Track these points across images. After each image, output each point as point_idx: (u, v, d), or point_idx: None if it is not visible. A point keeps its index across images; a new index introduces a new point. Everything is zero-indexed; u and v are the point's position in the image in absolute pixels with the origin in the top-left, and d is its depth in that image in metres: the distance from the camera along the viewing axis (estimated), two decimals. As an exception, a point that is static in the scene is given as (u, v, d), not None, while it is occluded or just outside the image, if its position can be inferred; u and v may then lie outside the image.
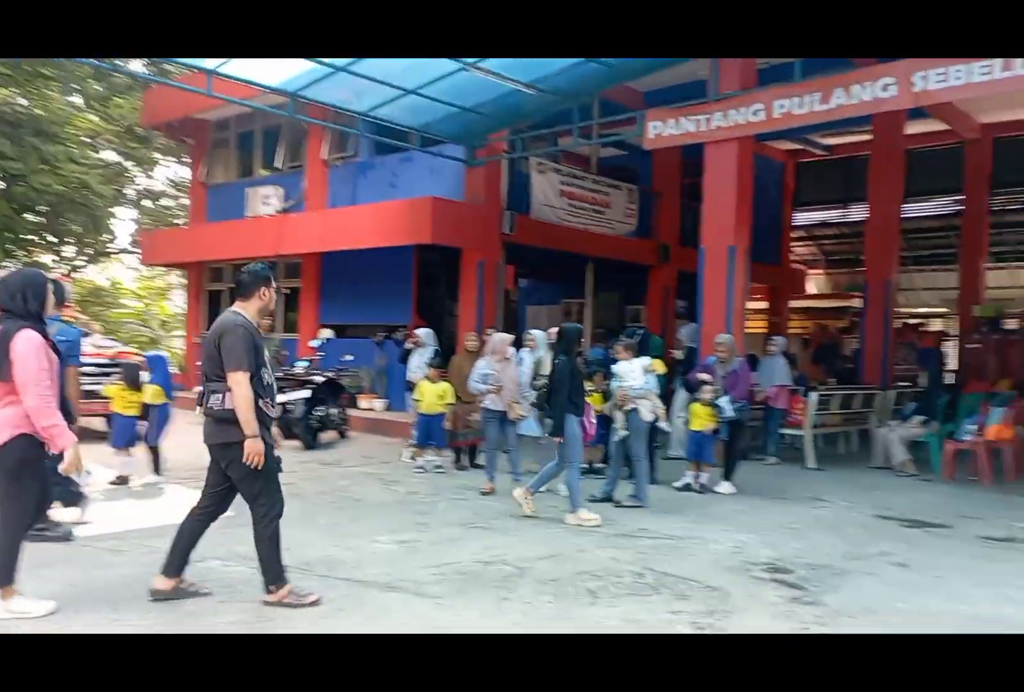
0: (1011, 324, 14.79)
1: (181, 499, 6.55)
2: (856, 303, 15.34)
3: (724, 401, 7.13)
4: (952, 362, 15.64)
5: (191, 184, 16.25)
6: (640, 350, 6.96)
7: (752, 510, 6.54)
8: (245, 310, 3.98)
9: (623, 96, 11.86)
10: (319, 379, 9.81)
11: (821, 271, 19.86)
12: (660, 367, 7.65)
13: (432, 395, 8.09)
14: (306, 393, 9.47)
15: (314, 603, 4.06)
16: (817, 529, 5.92)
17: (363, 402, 11.96)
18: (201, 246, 14.12)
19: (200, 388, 4.02)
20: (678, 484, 7.31)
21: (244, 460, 3.85)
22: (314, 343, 11.18)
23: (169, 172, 23.54)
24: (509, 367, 7.06)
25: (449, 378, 8.16)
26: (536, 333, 8.23)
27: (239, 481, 3.97)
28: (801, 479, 8.05)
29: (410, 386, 8.78)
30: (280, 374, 9.91)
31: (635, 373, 6.65)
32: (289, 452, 9.27)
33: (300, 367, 10.26)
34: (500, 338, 7.18)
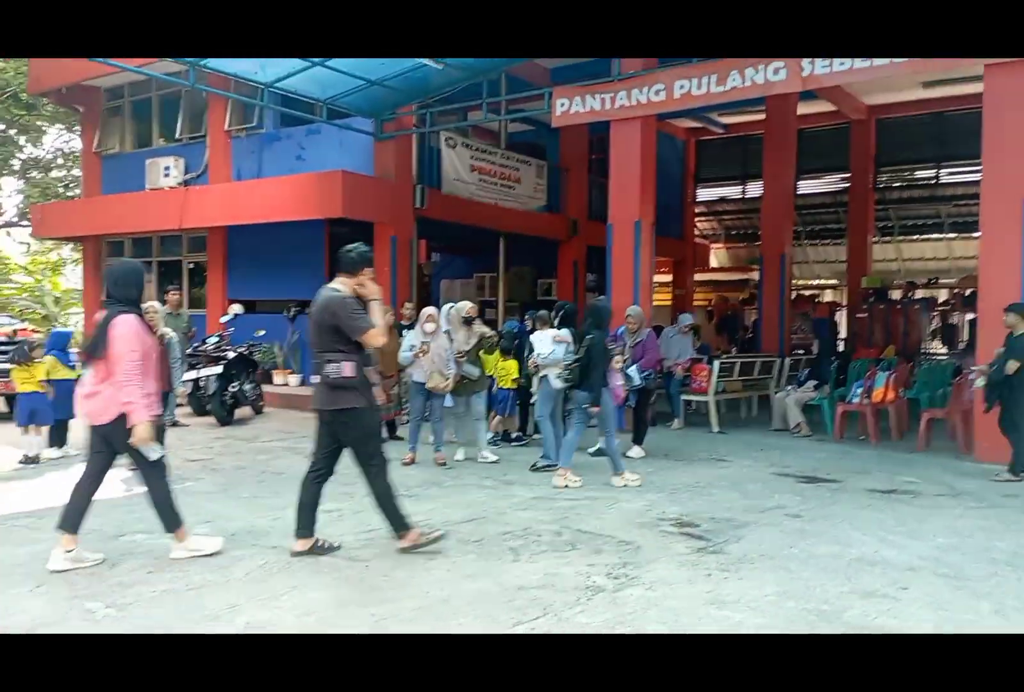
0: (895, 295, 15.56)
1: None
2: (755, 276, 15.80)
3: (633, 370, 7.26)
4: (842, 331, 16.28)
5: (83, 154, 15.43)
6: (565, 323, 7.00)
7: (660, 471, 6.77)
8: (344, 285, 4.28)
9: (530, 72, 11.95)
10: (231, 355, 9.65)
11: (722, 245, 20.21)
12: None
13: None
14: (218, 369, 9.33)
15: (439, 538, 4.49)
16: (720, 487, 6.24)
17: (277, 377, 11.82)
18: (99, 219, 13.53)
19: (314, 359, 4.34)
20: (591, 450, 7.41)
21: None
22: (224, 319, 10.99)
23: (59, 141, 22.36)
24: (438, 338, 7.09)
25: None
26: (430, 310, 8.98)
27: (354, 443, 4.30)
28: (706, 442, 8.32)
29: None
30: (190, 350, 9.64)
31: (545, 343, 6.91)
32: (203, 429, 9.12)
33: (211, 343, 10.03)
34: (429, 311, 7.22)
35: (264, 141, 12.58)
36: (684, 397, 9.59)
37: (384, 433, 8.57)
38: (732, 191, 18.76)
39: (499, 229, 13.28)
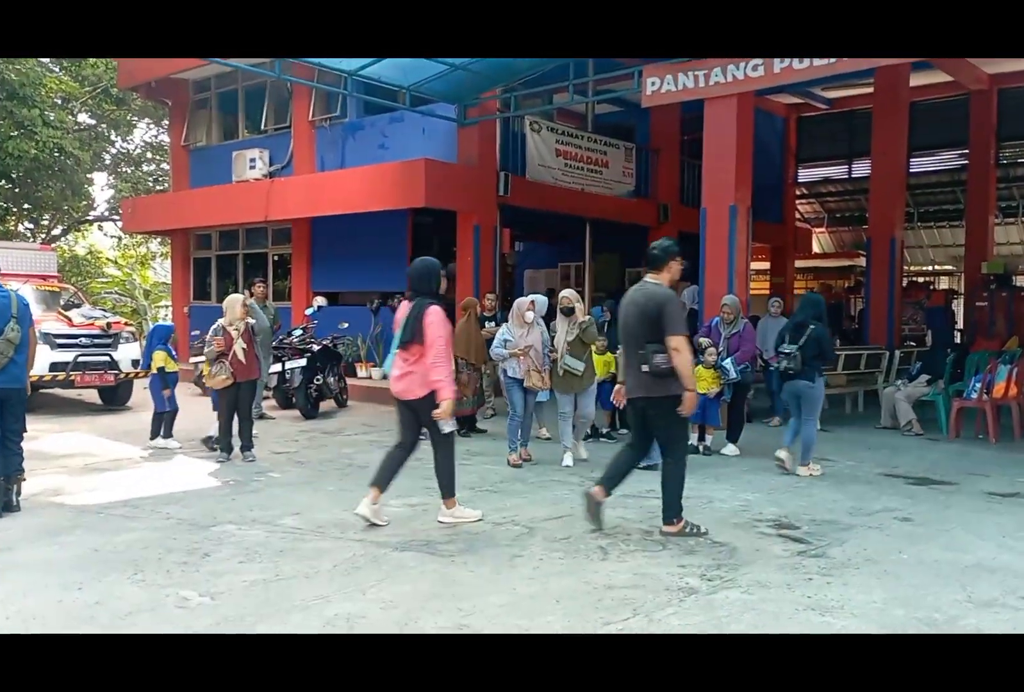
0: (1020, 281, 15.10)
1: (189, 467, 6.78)
2: (861, 262, 15.49)
3: (728, 363, 7.28)
4: (959, 321, 15.70)
5: (172, 148, 16.07)
6: None
7: (757, 470, 6.71)
8: (660, 280, 4.83)
9: (619, 50, 12.57)
10: (315, 347, 9.88)
11: (825, 229, 19.65)
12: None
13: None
14: (302, 362, 9.58)
15: (705, 533, 4.82)
16: (821, 487, 6.14)
17: (360, 370, 12.09)
18: (186, 212, 14.02)
19: (640, 350, 4.82)
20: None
21: (679, 410, 4.69)
22: (308, 311, 11.24)
23: (148, 135, 23.25)
24: (533, 332, 7.02)
25: (453, 345, 8.41)
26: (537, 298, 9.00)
27: (665, 428, 4.82)
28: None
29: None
30: (275, 343, 9.85)
31: None
32: (288, 421, 9.40)
33: (295, 336, 10.30)
34: (530, 298, 7.13)
35: (347, 130, 12.82)
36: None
37: (456, 427, 8.74)
38: (837, 171, 18.31)
39: (585, 216, 13.25)
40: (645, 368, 4.78)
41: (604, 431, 8.27)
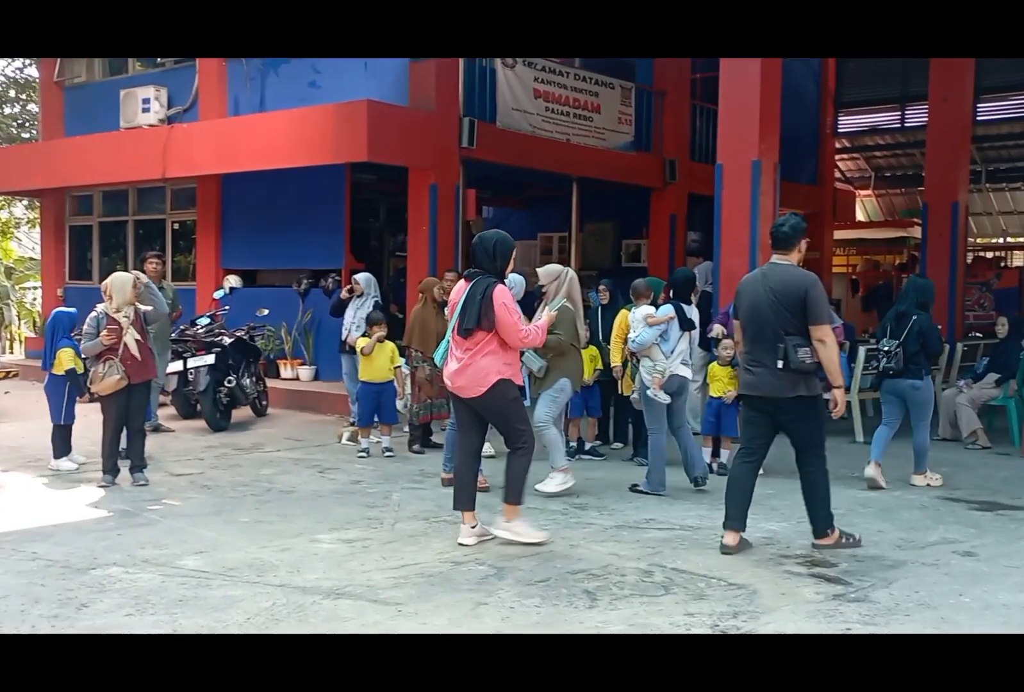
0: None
1: (63, 494, 6.61)
2: (916, 233, 15.38)
3: None
4: (1039, 306, 17.22)
5: (42, 84, 15.71)
6: (677, 295, 6.98)
7: (784, 494, 6.57)
8: (791, 262, 5.20)
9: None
10: (227, 341, 9.73)
11: (872, 192, 19.68)
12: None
13: (379, 358, 8.13)
14: (210, 359, 9.37)
15: (859, 543, 5.21)
16: (864, 515, 6.15)
17: (284, 369, 11.91)
18: (60, 167, 13.71)
19: (779, 344, 5.06)
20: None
21: (831, 411, 5.18)
22: (218, 294, 11.20)
23: (9, 68, 22.64)
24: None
25: (407, 335, 8.23)
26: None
27: (805, 431, 5.18)
28: (847, 455, 8.12)
29: (347, 348, 8.88)
30: (175, 334, 9.74)
31: (637, 323, 6.92)
32: (191, 435, 9.30)
33: (200, 326, 10.16)
34: (514, 280, 6.99)
35: (269, 65, 12.54)
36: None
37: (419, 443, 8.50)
38: (886, 119, 18.38)
39: (571, 174, 13.21)
40: (781, 364, 5.09)
41: (589, 446, 8.20)
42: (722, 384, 7.45)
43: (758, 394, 5.29)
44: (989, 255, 18.05)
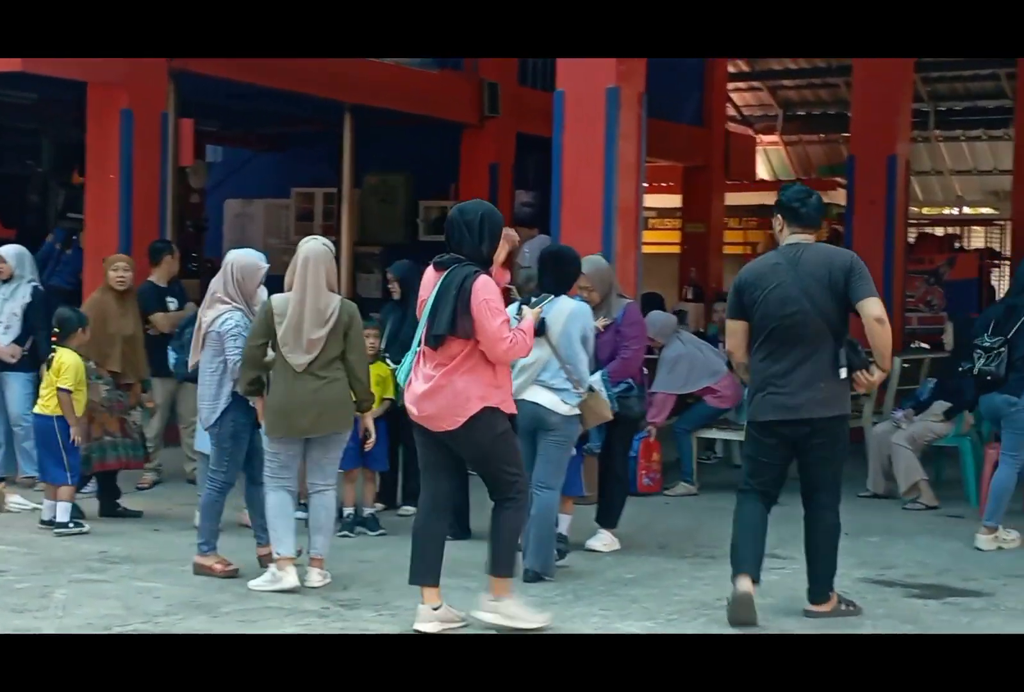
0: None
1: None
2: (839, 198, 15.36)
3: (595, 380, 6.91)
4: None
5: None
6: (562, 283, 6.98)
7: (653, 579, 6.58)
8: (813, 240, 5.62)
9: None
10: None
11: (778, 138, 20.20)
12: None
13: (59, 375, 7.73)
14: None
15: (859, 610, 5.78)
16: (765, 609, 5.75)
17: None
18: None
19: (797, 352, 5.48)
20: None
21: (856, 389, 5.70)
22: None
23: None
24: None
25: (77, 338, 7.83)
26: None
27: (832, 458, 5.63)
28: (722, 520, 7.91)
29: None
30: None
31: (558, 325, 6.82)
32: None
33: None
34: (244, 264, 6.76)
35: None
36: (703, 434, 9.54)
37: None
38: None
39: (341, 100, 12.65)
40: (844, 373, 5.46)
41: (368, 512, 7.83)
42: None
43: (797, 417, 5.48)
44: (939, 232, 17.97)
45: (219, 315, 6.63)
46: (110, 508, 8.17)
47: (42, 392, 7.94)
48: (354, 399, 6.49)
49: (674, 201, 17.31)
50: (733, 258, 16.62)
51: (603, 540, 7.37)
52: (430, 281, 5.37)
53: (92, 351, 8.01)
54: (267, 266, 6.91)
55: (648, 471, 9.20)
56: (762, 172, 19.59)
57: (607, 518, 7.48)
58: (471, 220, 5.33)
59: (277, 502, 6.47)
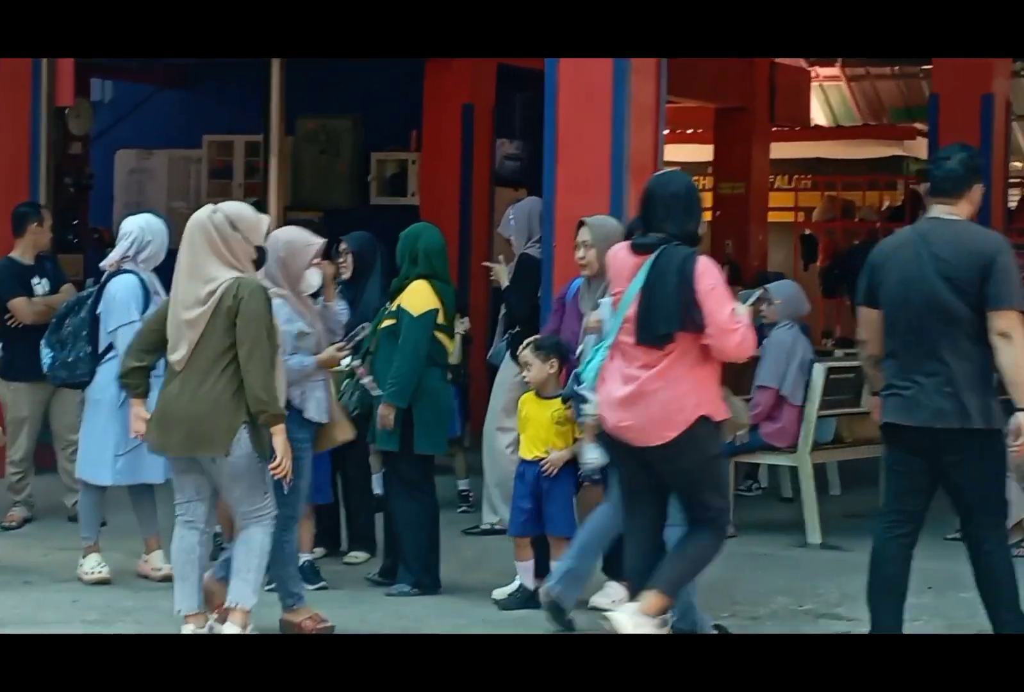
0: None
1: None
2: (919, 150, 15.43)
3: (588, 388, 6.67)
4: None
5: None
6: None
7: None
8: (960, 215, 5.72)
9: None
10: None
11: (839, 71, 20.30)
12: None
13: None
14: None
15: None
16: None
17: None
18: None
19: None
20: (501, 593, 7.32)
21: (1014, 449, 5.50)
22: None
23: None
24: (327, 314, 7.29)
25: None
26: None
27: (981, 485, 5.77)
28: (790, 570, 8.37)
29: None
30: None
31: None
32: None
33: None
34: (294, 240, 6.98)
35: None
36: (743, 458, 9.46)
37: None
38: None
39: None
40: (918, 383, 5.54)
41: (304, 560, 7.64)
42: (540, 435, 7.40)
43: (914, 424, 5.48)
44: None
45: None
46: None
47: None
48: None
49: (704, 153, 16.90)
50: (781, 227, 16.31)
51: (612, 595, 7.20)
52: (626, 267, 5.58)
53: None
54: (320, 242, 7.04)
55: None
56: (818, 116, 19.56)
57: (616, 566, 7.26)
58: (677, 193, 5.66)
59: (177, 543, 6.60)
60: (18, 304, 9.08)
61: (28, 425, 9.21)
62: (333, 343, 7.32)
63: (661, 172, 5.70)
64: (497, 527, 8.74)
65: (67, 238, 12.20)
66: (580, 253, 7.66)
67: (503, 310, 9.71)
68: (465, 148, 13.89)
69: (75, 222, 12.97)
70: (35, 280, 9.26)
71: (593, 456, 6.81)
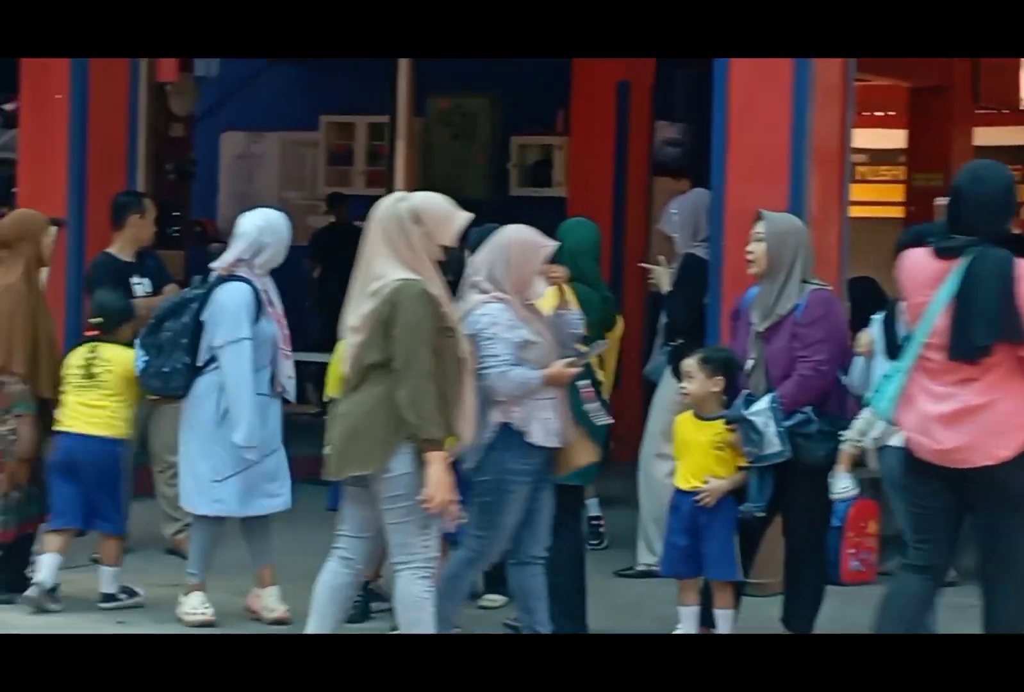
0: None
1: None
2: None
3: (763, 411, 7.24)
4: None
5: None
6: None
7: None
8: None
9: None
10: None
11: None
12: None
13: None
14: None
15: None
16: None
17: None
18: None
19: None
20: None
21: None
22: None
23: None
24: (560, 323, 7.47)
25: None
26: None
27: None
28: (970, 622, 7.63)
29: None
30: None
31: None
32: None
33: None
34: (518, 236, 7.13)
35: None
36: None
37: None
38: None
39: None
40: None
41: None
42: (700, 462, 7.55)
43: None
44: None
45: (472, 308, 6.94)
46: (18, 580, 8.19)
47: None
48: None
49: (897, 139, 16.54)
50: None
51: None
52: (930, 273, 5.66)
53: (3, 356, 8.06)
54: (553, 245, 7.31)
55: (859, 549, 9.23)
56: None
57: (796, 618, 7.58)
58: (993, 191, 5.74)
59: (327, 577, 6.99)
60: None
61: None
62: (564, 357, 7.33)
63: (974, 163, 5.76)
64: (654, 569, 8.62)
65: (167, 231, 12.12)
66: (750, 247, 7.70)
67: (663, 319, 9.71)
68: (619, 131, 14.10)
69: (176, 214, 12.99)
70: (135, 279, 9.29)
71: (845, 485, 7.10)
